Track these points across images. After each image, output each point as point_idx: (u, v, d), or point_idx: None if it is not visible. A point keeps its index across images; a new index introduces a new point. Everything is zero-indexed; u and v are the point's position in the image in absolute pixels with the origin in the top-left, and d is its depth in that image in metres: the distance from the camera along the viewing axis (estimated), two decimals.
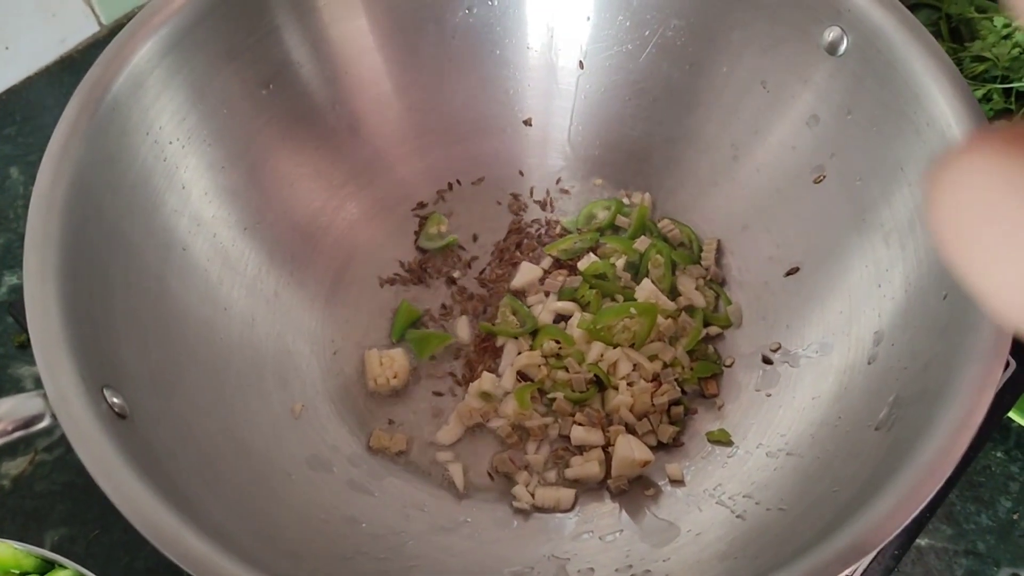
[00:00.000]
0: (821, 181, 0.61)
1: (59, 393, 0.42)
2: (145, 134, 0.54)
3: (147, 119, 0.54)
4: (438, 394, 0.62)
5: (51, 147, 0.48)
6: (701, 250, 0.67)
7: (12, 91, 0.84)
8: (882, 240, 0.55)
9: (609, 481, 0.58)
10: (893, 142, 0.55)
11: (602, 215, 0.68)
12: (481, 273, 0.67)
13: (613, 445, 0.58)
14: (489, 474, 0.59)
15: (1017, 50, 0.73)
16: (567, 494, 0.57)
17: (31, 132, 0.82)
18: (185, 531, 0.39)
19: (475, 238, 0.69)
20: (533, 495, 0.57)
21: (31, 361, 0.70)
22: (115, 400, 0.44)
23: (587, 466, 0.57)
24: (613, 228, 0.68)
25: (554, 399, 0.60)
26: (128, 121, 0.52)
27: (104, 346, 0.47)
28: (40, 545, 0.56)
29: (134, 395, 0.46)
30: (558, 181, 0.71)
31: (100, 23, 0.87)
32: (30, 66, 0.85)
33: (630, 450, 0.57)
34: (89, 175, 0.49)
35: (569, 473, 0.58)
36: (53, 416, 0.42)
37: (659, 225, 0.68)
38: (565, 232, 0.69)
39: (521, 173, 0.71)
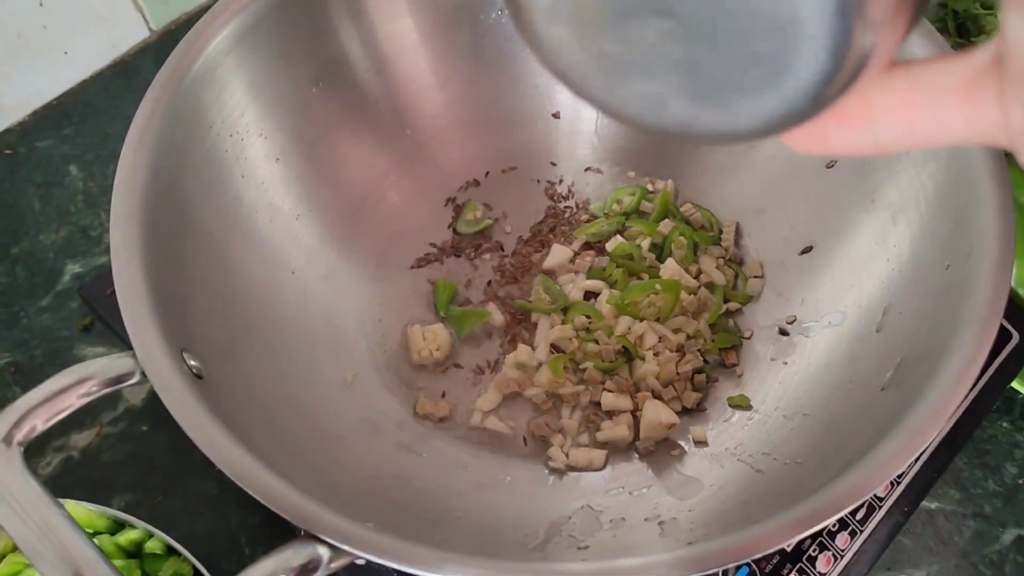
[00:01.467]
0: (833, 166, 0.65)
1: (147, 353, 0.47)
2: (210, 127, 0.59)
3: (212, 112, 0.59)
4: (478, 368, 0.67)
5: (131, 133, 0.53)
6: (721, 232, 0.71)
7: (69, 94, 0.89)
8: (890, 218, 0.59)
9: (638, 443, 0.62)
10: None
11: (628, 200, 0.72)
12: (513, 254, 0.72)
13: (641, 410, 0.62)
14: (524, 438, 0.64)
15: None
16: (599, 454, 0.61)
17: (88, 132, 0.86)
18: (266, 474, 0.44)
19: (509, 224, 0.74)
20: (567, 455, 0.62)
21: (94, 343, 0.75)
22: (192, 363, 0.49)
23: (617, 429, 0.62)
24: (638, 213, 0.73)
25: (585, 369, 0.65)
26: (196, 113, 0.57)
27: (180, 316, 0.51)
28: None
29: (206, 359, 0.51)
30: (587, 169, 0.75)
31: (150, 28, 0.92)
32: (85, 70, 0.90)
33: (657, 414, 0.61)
34: (163, 161, 0.54)
35: (600, 436, 0.62)
36: (142, 374, 0.47)
37: (681, 209, 0.72)
38: (593, 217, 0.73)
39: (553, 163, 0.76)
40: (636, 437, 0.63)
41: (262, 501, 0.43)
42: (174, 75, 0.56)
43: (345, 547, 0.42)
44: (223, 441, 0.45)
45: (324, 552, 0.42)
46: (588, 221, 0.73)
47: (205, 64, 0.57)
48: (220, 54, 0.58)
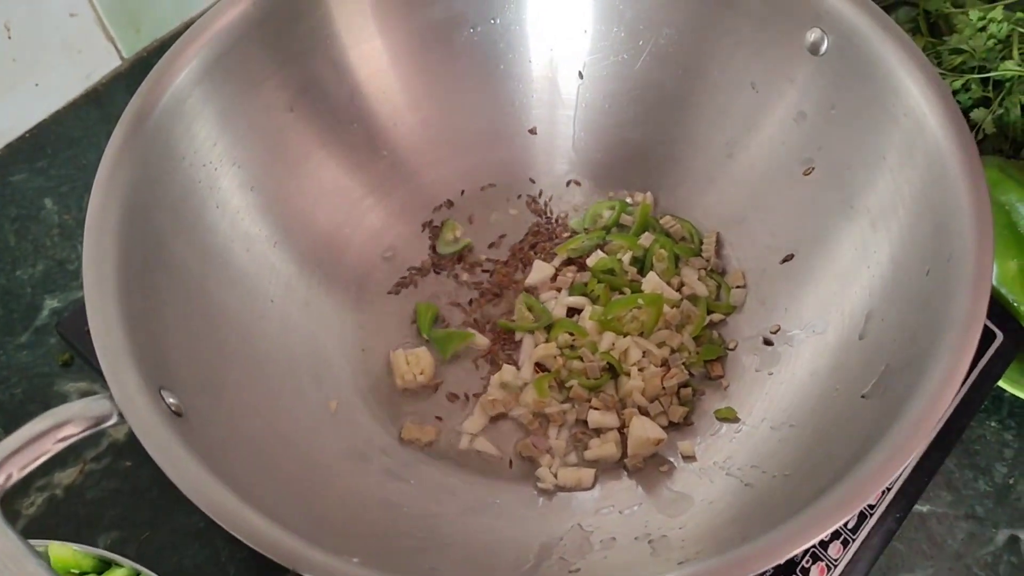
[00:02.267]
0: (811, 173, 0.65)
1: (124, 394, 0.46)
2: (182, 159, 0.58)
3: (183, 145, 0.58)
4: (454, 396, 0.67)
5: (101, 172, 0.53)
6: (702, 243, 0.71)
7: (42, 125, 0.88)
8: (869, 224, 0.59)
9: (626, 460, 0.62)
10: (875, 133, 0.59)
11: (607, 214, 0.72)
12: (493, 272, 0.72)
13: (628, 427, 0.62)
14: (510, 461, 0.63)
15: (992, 41, 0.76)
16: (587, 473, 0.61)
17: (62, 164, 0.86)
18: (248, 512, 0.43)
19: (489, 242, 0.73)
20: (556, 476, 0.61)
21: (75, 378, 0.74)
22: (171, 400, 0.48)
23: (605, 447, 0.61)
24: (618, 226, 0.72)
25: (571, 387, 0.64)
26: (167, 147, 0.57)
27: (158, 351, 0.51)
28: (95, 547, 0.60)
29: (186, 395, 0.50)
30: (568, 183, 0.75)
31: (122, 57, 0.91)
32: (57, 101, 0.89)
33: (644, 430, 0.61)
34: (135, 196, 0.53)
35: (588, 454, 0.62)
36: (119, 415, 0.46)
37: (661, 221, 0.72)
38: (574, 233, 0.73)
39: (532, 180, 0.75)
40: (624, 454, 0.62)
41: (245, 541, 0.42)
42: (142, 110, 0.55)
43: None
44: (203, 480, 0.44)
45: None
46: (568, 237, 0.72)
47: (173, 97, 0.57)
48: (188, 86, 0.58)
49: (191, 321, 0.56)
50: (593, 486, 0.61)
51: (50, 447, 0.44)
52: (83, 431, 0.45)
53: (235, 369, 0.57)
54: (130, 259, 0.52)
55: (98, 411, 0.46)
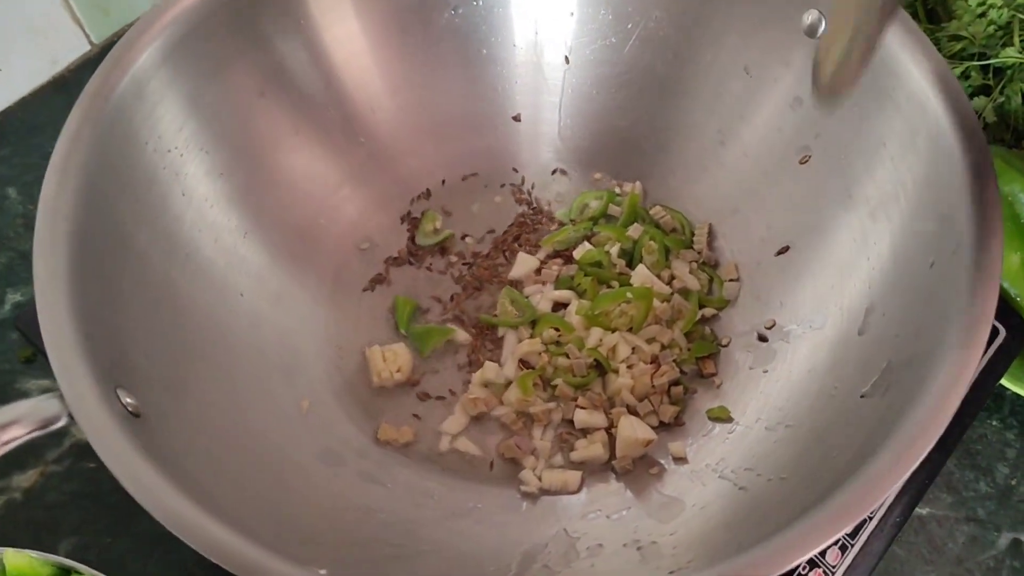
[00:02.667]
0: (807, 161, 0.62)
1: (75, 394, 0.43)
2: (144, 143, 0.55)
3: (145, 129, 0.55)
4: (429, 396, 0.64)
5: (55, 156, 0.50)
6: (693, 235, 0.68)
7: (6, 112, 0.85)
8: (868, 214, 0.57)
9: (614, 462, 0.59)
10: (874, 119, 0.56)
11: (594, 205, 0.69)
12: (472, 264, 0.69)
13: (616, 427, 0.59)
14: (491, 463, 0.60)
15: (992, 28, 0.74)
16: (574, 476, 0.58)
17: (26, 152, 0.82)
18: (205, 520, 0.40)
19: (471, 233, 0.70)
20: (540, 478, 0.58)
21: (37, 375, 0.71)
22: (128, 400, 0.45)
23: (591, 448, 0.58)
24: (606, 217, 0.70)
25: (556, 385, 0.61)
26: (128, 130, 0.54)
27: (115, 348, 0.48)
28: (55, 554, 0.57)
29: (147, 395, 0.47)
30: (553, 172, 0.72)
31: (91, 42, 0.88)
32: (23, 87, 0.85)
33: (633, 430, 0.58)
34: (93, 183, 0.50)
35: (574, 456, 0.59)
36: (70, 416, 0.43)
37: (651, 212, 0.69)
38: (560, 224, 0.70)
39: (515, 169, 0.72)
40: (612, 456, 0.59)
41: (200, 551, 0.39)
42: (100, 91, 0.52)
43: None
44: (158, 486, 0.41)
45: None
46: (555, 229, 0.69)
47: (134, 79, 0.54)
48: (151, 67, 0.55)
49: (153, 316, 0.53)
50: (579, 489, 0.58)
51: None
52: (30, 433, 0.42)
53: (200, 366, 0.54)
54: (87, 249, 0.49)
55: (47, 412, 0.43)
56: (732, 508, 0.51)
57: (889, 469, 0.41)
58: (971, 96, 0.74)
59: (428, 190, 0.71)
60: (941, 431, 0.42)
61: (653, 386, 0.61)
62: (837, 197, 0.59)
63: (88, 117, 0.51)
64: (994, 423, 0.70)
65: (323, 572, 0.40)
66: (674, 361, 0.62)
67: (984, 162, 0.49)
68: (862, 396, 0.51)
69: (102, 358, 0.46)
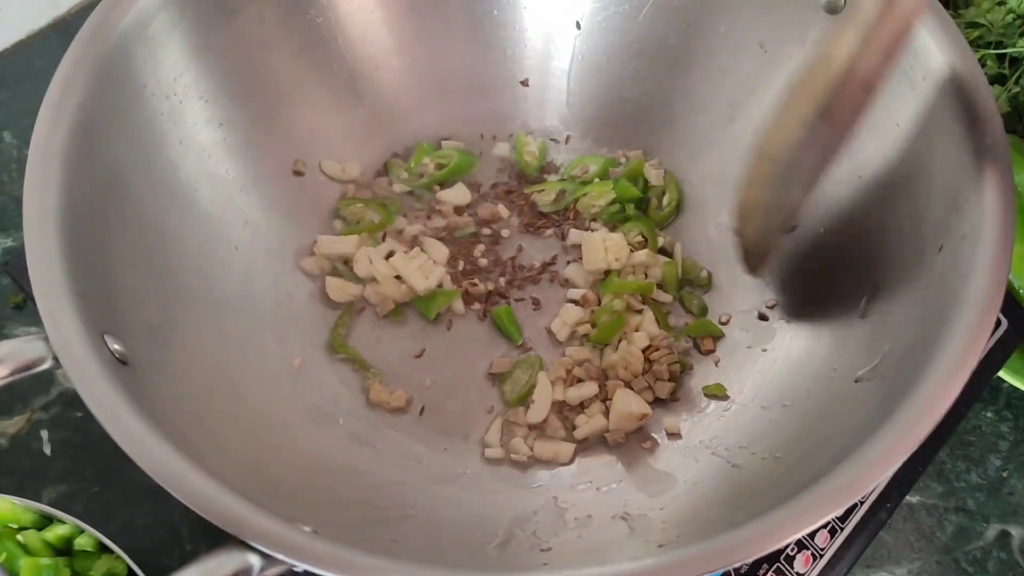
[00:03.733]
0: None
1: (61, 337, 0.42)
2: (143, 87, 0.54)
3: (145, 72, 0.54)
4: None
5: (49, 94, 0.48)
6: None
7: (3, 55, 0.83)
8: (878, 198, 0.56)
9: (607, 434, 0.58)
10: (889, 98, 0.55)
11: (593, 168, 0.68)
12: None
13: (611, 399, 0.58)
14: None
15: (1011, 16, 0.73)
16: (566, 447, 0.57)
17: (24, 96, 0.81)
18: (191, 472, 0.40)
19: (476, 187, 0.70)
20: (532, 448, 0.58)
21: (27, 322, 0.70)
22: (116, 347, 0.44)
23: (593, 421, 0.58)
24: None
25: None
26: (126, 72, 0.52)
27: (104, 294, 0.47)
28: (38, 502, 0.56)
29: (134, 343, 0.46)
30: (567, 140, 0.71)
31: None
32: (22, 30, 0.84)
33: (628, 404, 0.57)
34: (88, 123, 0.49)
35: (578, 433, 0.58)
36: (55, 359, 0.42)
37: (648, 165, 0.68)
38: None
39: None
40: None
41: (186, 503, 0.39)
42: (100, 29, 0.51)
43: (278, 555, 0.38)
44: (144, 435, 0.40)
45: (255, 561, 0.38)
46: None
47: (137, 18, 0.52)
48: (154, 7, 0.53)
49: (145, 263, 0.52)
50: (571, 461, 0.57)
51: None
52: (11, 374, 0.41)
53: (191, 317, 0.53)
54: (79, 190, 0.47)
55: (31, 354, 0.42)
56: (724, 485, 0.51)
57: (885, 455, 0.41)
58: None
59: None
60: (939, 418, 0.42)
61: (648, 363, 0.60)
62: (846, 178, 0.58)
63: (86, 55, 0.50)
64: (989, 415, 0.69)
65: (307, 529, 0.39)
66: (670, 343, 0.61)
67: (1000, 148, 0.48)
68: (856, 380, 0.50)
69: (91, 302, 0.45)
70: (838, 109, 0.46)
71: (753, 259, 0.58)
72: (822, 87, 0.45)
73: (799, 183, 0.51)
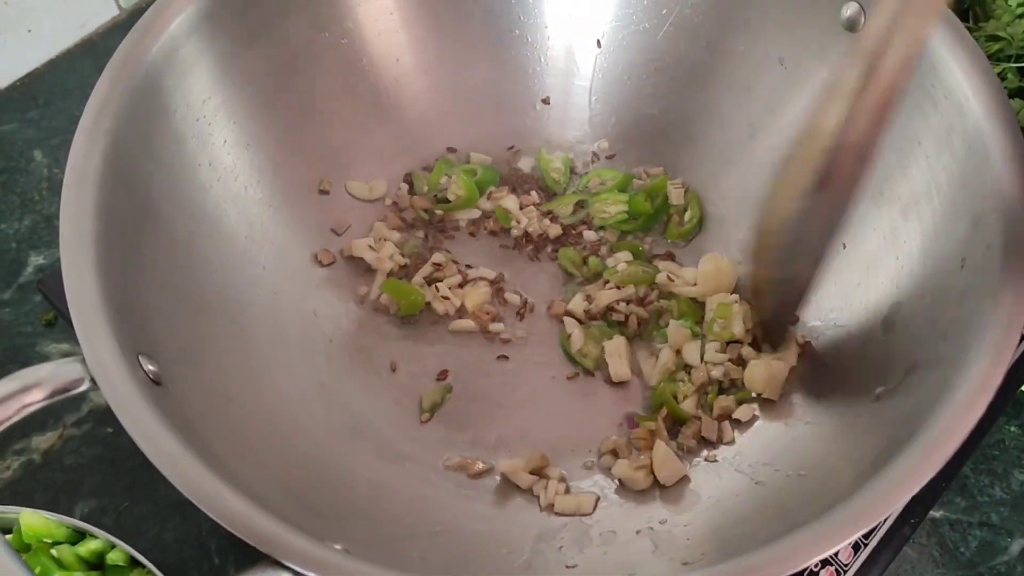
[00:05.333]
0: None
1: (97, 359, 0.43)
2: (173, 111, 0.55)
3: (175, 97, 0.55)
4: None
5: (84, 120, 0.49)
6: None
7: (34, 74, 0.85)
8: (899, 212, 0.56)
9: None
10: (910, 116, 0.55)
11: (610, 182, 0.69)
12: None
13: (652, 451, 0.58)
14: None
15: None
16: (587, 499, 0.56)
17: (53, 115, 0.82)
18: (223, 489, 0.40)
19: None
20: (553, 504, 0.56)
21: (59, 339, 0.71)
22: (150, 367, 0.45)
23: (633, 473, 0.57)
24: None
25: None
26: (158, 97, 0.53)
27: (138, 315, 0.48)
28: (71, 516, 0.57)
29: (166, 362, 0.47)
30: (590, 160, 0.72)
31: (120, 7, 0.88)
32: (51, 49, 0.85)
33: (664, 461, 0.56)
34: (121, 149, 0.50)
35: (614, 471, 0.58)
36: (92, 381, 0.43)
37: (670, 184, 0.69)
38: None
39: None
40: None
41: (220, 522, 0.39)
42: (131, 56, 0.52)
43: (311, 574, 0.38)
44: (178, 455, 0.41)
45: None
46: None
47: (166, 44, 0.53)
48: (183, 33, 0.54)
49: (176, 283, 0.53)
50: (594, 511, 0.56)
51: (13, 413, 0.41)
52: (50, 396, 0.42)
53: (221, 337, 0.54)
54: (112, 214, 0.48)
55: (68, 376, 0.43)
56: (748, 503, 0.51)
57: (909, 475, 0.41)
58: None
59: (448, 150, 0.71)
60: (964, 437, 0.42)
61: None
62: (868, 194, 0.58)
63: (117, 82, 0.51)
64: (1013, 428, 0.69)
65: (338, 547, 0.40)
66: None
67: (1022, 164, 0.49)
68: (876, 398, 0.50)
69: (125, 324, 0.45)
70: (835, 178, 0.46)
71: (772, 334, 0.58)
72: (817, 158, 0.45)
73: (806, 256, 0.51)
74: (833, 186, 0.46)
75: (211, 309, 0.55)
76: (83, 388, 0.43)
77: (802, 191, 0.47)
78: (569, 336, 0.63)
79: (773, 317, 0.58)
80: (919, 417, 0.44)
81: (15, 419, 0.41)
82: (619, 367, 0.61)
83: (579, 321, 0.64)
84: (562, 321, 0.64)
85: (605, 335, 0.63)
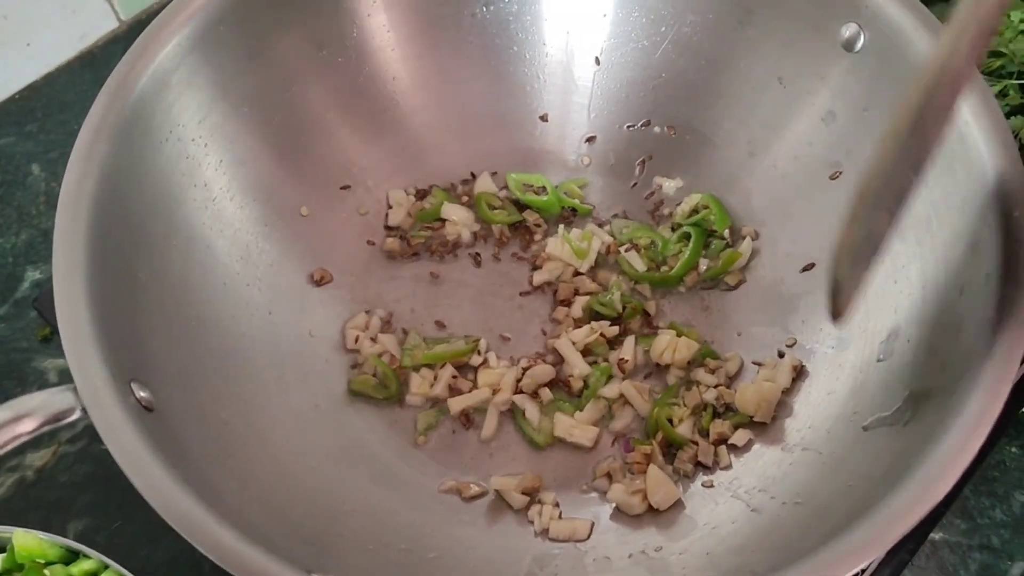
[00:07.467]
0: (837, 177, 0.61)
1: (89, 387, 0.43)
2: (168, 132, 0.55)
3: (170, 118, 0.55)
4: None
5: (78, 145, 0.49)
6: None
7: (33, 87, 0.85)
8: (898, 236, 0.55)
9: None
10: None
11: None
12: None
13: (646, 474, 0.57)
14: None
15: None
16: (583, 525, 0.56)
17: (52, 129, 0.82)
18: (211, 521, 0.40)
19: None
20: (548, 530, 0.56)
21: (55, 354, 0.71)
22: (142, 394, 0.45)
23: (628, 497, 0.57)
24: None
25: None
26: (152, 120, 0.53)
27: (131, 341, 0.47)
28: (63, 535, 0.57)
29: (160, 387, 0.47)
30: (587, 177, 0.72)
31: (119, 19, 0.87)
32: (50, 62, 0.85)
33: (658, 486, 0.56)
34: (114, 173, 0.50)
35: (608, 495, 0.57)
36: (83, 410, 0.43)
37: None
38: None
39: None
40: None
41: (207, 554, 0.39)
42: (126, 81, 0.52)
43: None
44: (167, 486, 0.41)
45: None
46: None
47: (162, 67, 0.54)
48: (177, 56, 0.54)
49: (170, 307, 0.52)
50: (588, 537, 0.56)
51: (5, 443, 0.41)
52: (41, 426, 0.42)
53: (215, 360, 0.54)
54: (106, 240, 0.48)
55: (60, 405, 0.43)
56: (744, 531, 0.50)
57: (907, 508, 0.41)
58: (1008, 115, 0.72)
59: (453, 185, 0.71)
60: (963, 469, 0.41)
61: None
62: None
63: (112, 106, 0.51)
64: (1013, 450, 0.69)
65: None
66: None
67: (1021, 190, 0.48)
68: (864, 428, 0.50)
69: (118, 350, 0.45)
70: (928, 117, 0.44)
71: (840, 302, 0.55)
72: (916, 98, 0.44)
73: (886, 208, 0.49)
74: (926, 126, 0.45)
75: (205, 332, 0.54)
76: (74, 417, 0.43)
77: (900, 138, 0.46)
78: (523, 412, 0.61)
79: (847, 283, 0.55)
80: (915, 450, 0.43)
81: (7, 448, 0.41)
82: (581, 436, 0.60)
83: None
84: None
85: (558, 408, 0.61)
